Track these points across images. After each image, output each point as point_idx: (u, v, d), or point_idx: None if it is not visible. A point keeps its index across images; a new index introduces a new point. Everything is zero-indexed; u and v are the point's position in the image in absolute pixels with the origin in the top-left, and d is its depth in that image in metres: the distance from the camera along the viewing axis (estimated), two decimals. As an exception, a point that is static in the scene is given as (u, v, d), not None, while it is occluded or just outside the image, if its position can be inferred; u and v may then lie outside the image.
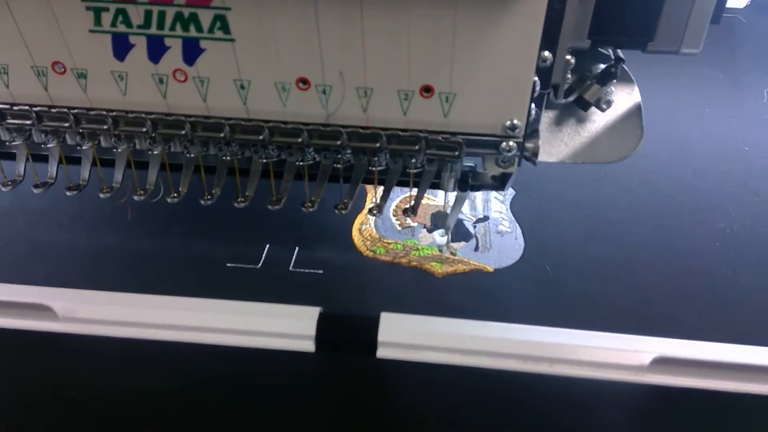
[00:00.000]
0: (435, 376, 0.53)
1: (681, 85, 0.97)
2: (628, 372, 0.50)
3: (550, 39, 0.43)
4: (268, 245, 0.65)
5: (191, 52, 0.43)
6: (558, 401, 0.52)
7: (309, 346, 0.53)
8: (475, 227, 0.69)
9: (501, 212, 0.71)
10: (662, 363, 0.50)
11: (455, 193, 0.55)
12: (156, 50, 0.43)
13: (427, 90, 0.44)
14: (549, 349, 0.51)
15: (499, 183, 0.57)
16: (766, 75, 1.02)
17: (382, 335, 0.52)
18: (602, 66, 0.50)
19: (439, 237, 0.64)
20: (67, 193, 0.54)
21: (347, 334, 0.54)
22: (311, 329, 0.53)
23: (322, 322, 0.53)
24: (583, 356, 0.51)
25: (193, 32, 0.42)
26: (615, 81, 0.51)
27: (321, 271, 0.63)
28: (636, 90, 0.54)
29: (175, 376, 0.54)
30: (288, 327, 0.53)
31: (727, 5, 0.46)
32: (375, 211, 0.54)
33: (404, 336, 0.53)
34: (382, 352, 0.52)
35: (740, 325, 0.58)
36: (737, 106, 0.93)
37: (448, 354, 0.52)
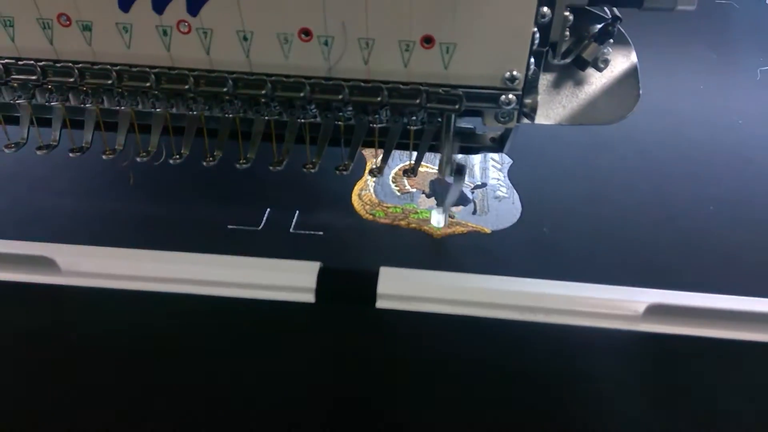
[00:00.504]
0: (433, 327, 0.54)
1: (676, 64, 0.99)
2: (623, 321, 0.52)
3: (548, -5, 0.44)
4: (268, 209, 0.66)
5: (195, 2, 0.44)
6: (554, 350, 0.53)
7: (309, 297, 0.54)
8: (473, 193, 0.70)
9: (498, 179, 0.72)
10: (656, 312, 0.51)
11: (452, 178, 0.56)
12: (161, 1, 0.44)
13: (427, 41, 0.44)
14: (545, 300, 0.53)
15: (498, 144, 0.58)
16: (759, 56, 1.03)
17: (381, 287, 0.54)
18: (599, 26, 0.51)
19: (436, 220, 0.65)
20: (70, 155, 0.54)
21: (347, 286, 0.55)
22: (312, 282, 0.54)
23: (322, 276, 0.54)
24: (578, 306, 0.52)
25: (197, -19, 0.43)
26: (612, 41, 0.52)
27: (321, 233, 0.63)
28: (633, 52, 0.55)
29: (178, 327, 0.54)
30: (289, 280, 0.54)
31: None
32: (376, 172, 0.54)
33: (403, 288, 0.54)
34: (381, 303, 0.53)
35: (735, 278, 0.59)
36: (731, 84, 0.95)
37: (446, 305, 0.53)
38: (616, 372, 0.51)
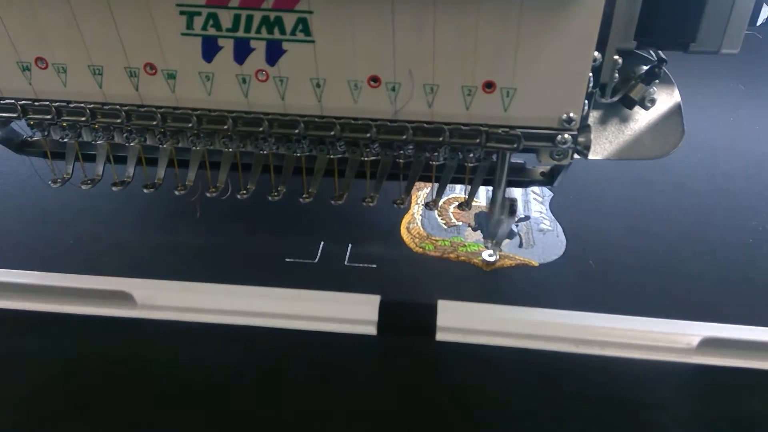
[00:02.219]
0: (491, 359, 0.56)
1: (705, 96, 1.01)
2: (677, 354, 0.53)
3: (599, 40, 0.47)
4: (323, 242, 0.68)
5: (274, 53, 0.47)
6: (610, 383, 0.54)
7: (371, 330, 0.56)
8: (517, 226, 0.72)
9: (541, 212, 0.75)
10: (709, 345, 0.53)
11: (504, 216, 0.59)
12: (242, 52, 0.47)
13: (489, 86, 0.47)
14: (600, 333, 0.54)
15: (548, 178, 0.60)
16: (786, 87, 1.06)
17: (441, 320, 0.56)
18: (645, 67, 0.54)
19: (487, 254, 0.68)
20: (144, 191, 0.58)
21: (407, 319, 0.57)
22: (374, 314, 0.56)
23: (383, 308, 0.57)
24: (633, 339, 0.54)
25: (276, 34, 0.46)
26: (657, 81, 0.54)
27: (374, 266, 0.66)
28: (676, 91, 0.57)
29: (244, 360, 0.57)
30: (352, 312, 0.57)
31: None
32: (432, 206, 0.57)
33: (461, 321, 0.56)
34: (441, 336, 0.55)
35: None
36: (760, 116, 0.97)
37: (504, 338, 0.55)
38: (671, 403, 0.53)
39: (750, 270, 0.66)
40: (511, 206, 0.58)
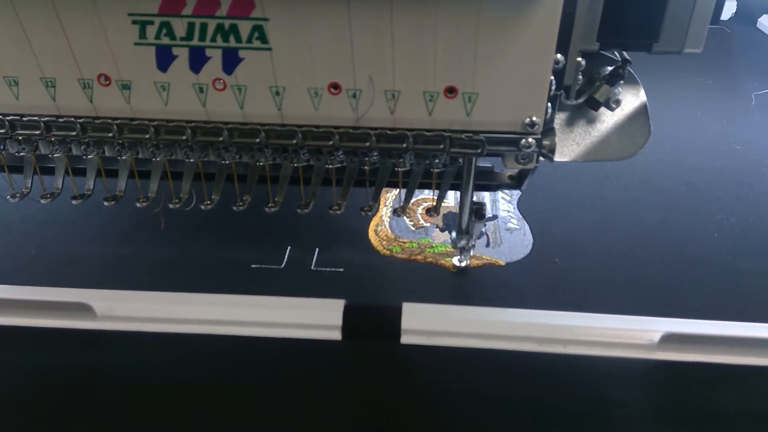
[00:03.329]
0: (456, 360, 0.56)
1: (672, 91, 1.02)
2: (639, 350, 0.54)
3: (562, 42, 0.46)
4: (289, 247, 0.68)
5: (231, 61, 0.46)
6: (574, 380, 0.55)
7: (336, 335, 0.56)
8: (485, 225, 0.72)
9: (509, 211, 0.75)
10: (670, 340, 0.53)
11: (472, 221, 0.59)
12: (197, 61, 0.46)
13: (450, 91, 0.47)
14: (563, 331, 0.55)
15: (516, 182, 0.60)
16: (753, 80, 1.07)
17: (406, 323, 0.56)
18: (609, 68, 0.54)
19: (457, 262, 0.67)
20: (105, 204, 0.56)
21: (371, 323, 0.57)
22: (338, 319, 0.56)
23: (348, 313, 0.56)
24: (595, 336, 0.54)
25: (232, 42, 0.45)
26: (622, 82, 0.54)
27: (341, 269, 0.66)
28: (642, 91, 0.57)
29: (207, 368, 0.56)
30: (315, 318, 0.56)
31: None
32: (399, 212, 0.57)
33: (426, 323, 0.56)
34: (406, 339, 0.55)
35: (740, 307, 0.61)
36: (727, 110, 0.98)
37: (468, 339, 0.55)
38: (633, 400, 0.53)
39: (714, 265, 0.66)
40: (479, 210, 0.57)
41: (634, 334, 0.55)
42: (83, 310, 0.56)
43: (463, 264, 0.66)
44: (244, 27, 0.45)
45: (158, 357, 0.56)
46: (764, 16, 1.31)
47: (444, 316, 0.57)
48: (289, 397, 0.54)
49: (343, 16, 0.44)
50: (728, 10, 1.33)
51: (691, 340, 0.54)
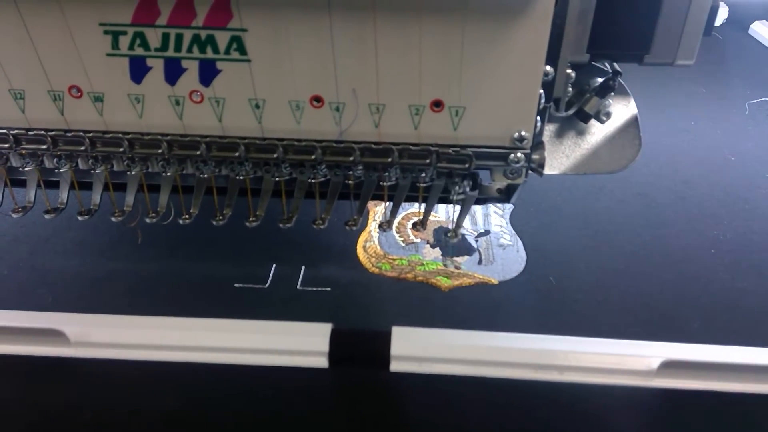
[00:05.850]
0: (448, 388, 0.53)
1: (665, 100, 1.01)
2: (637, 377, 0.52)
3: (551, 54, 0.45)
4: (274, 265, 0.66)
5: (208, 73, 0.44)
6: (569, 409, 0.52)
7: (322, 362, 0.53)
8: (477, 241, 0.70)
9: (501, 226, 0.73)
10: (670, 367, 0.51)
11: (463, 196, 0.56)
12: (173, 72, 0.44)
13: (437, 104, 0.45)
14: (559, 357, 0.52)
15: (505, 195, 0.58)
16: (747, 88, 1.05)
17: (395, 349, 0.53)
18: (600, 80, 0.52)
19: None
20: (79, 218, 0.54)
21: (360, 349, 0.54)
22: (324, 345, 0.53)
23: (335, 338, 0.54)
24: (592, 363, 0.52)
25: (210, 54, 0.44)
26: (613, 93, 0.53)
27: (329, 289, 0.63)
28: (632, 102, 0.56)
29: (188, 397, 0.54)
30: (300, 344, 0.53)
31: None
32: (385, 227, 0.55)
33: (416, 349, 0.53)
34: (395, 366, 0.53)
35: (739, 327, 0.59)
36: (721, 119, 0.97)
37: (461, 366, 0.53)
38: (632, 429, 0.51)
39: (711, 283, 0.65)
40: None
41: (633, 360, 0.52)
42: (55, 335, 0.53)
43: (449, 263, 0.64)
44: (222, 38, 0.43)
45: (136, 386, 0.54)
46: (756, 22, 1.30)
47: (435, 341, 0.54)
48: (271, 428, 0.52)
49: (325, 26, 0.42)
50: (720, 17, 1.32)
51: (691, 367, 0.52)
